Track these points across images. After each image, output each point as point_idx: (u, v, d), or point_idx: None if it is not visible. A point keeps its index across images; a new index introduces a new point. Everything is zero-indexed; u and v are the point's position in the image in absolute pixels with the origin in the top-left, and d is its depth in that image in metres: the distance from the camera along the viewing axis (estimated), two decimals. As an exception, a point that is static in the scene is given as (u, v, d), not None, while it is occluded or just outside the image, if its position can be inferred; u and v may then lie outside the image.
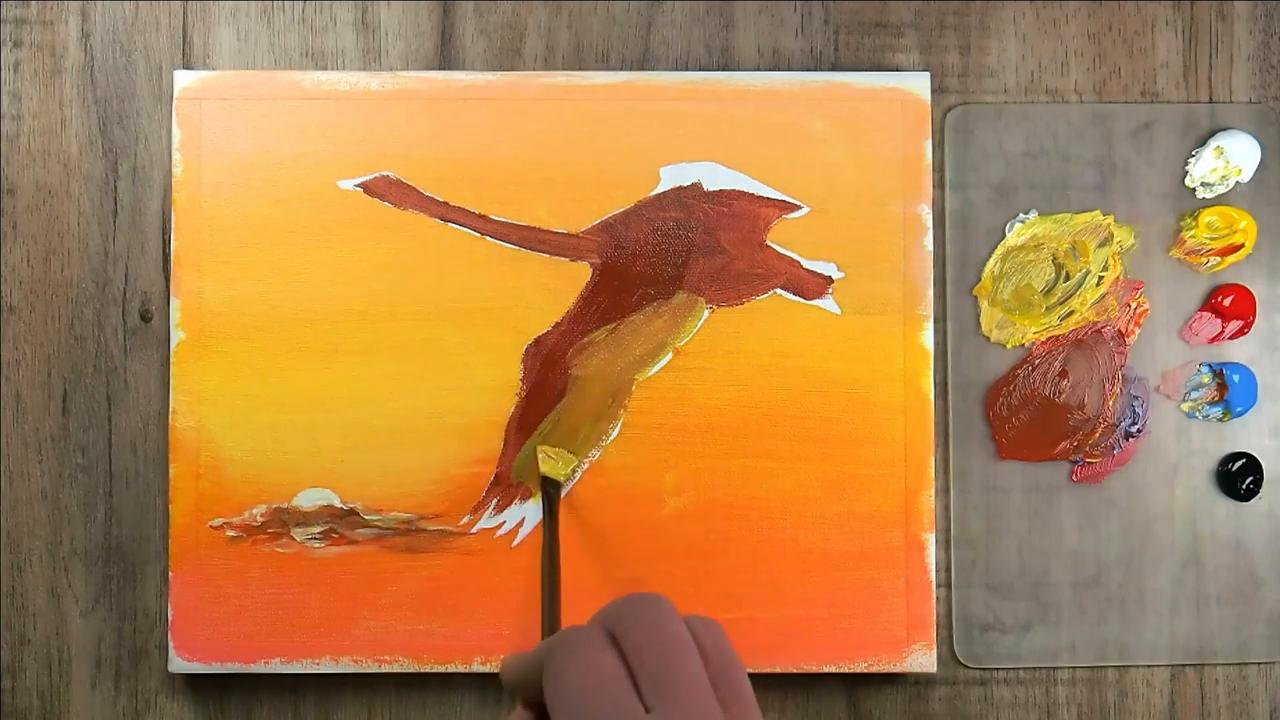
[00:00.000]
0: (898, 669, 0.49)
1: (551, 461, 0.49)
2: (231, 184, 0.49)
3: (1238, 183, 0.51)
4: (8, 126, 0.51)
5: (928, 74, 0.50)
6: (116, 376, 0.50)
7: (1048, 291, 0.51)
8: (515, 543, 0.49)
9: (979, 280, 0.51)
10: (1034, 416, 0.50)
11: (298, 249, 0.49)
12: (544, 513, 0.48)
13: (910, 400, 0.49)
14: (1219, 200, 0.51)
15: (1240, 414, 0.50)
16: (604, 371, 0.49)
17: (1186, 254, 0.51)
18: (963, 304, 0.51)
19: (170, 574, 0.49)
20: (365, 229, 0.49)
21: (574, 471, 0.49)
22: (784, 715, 0.50)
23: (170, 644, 0.49)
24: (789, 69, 0.51)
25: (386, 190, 0.49)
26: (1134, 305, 0.51)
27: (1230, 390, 0.50)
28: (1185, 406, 0.51)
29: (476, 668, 0.49)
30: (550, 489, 0.48)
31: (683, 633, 0.30)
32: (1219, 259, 0.51)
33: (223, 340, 0.49)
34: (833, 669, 0.49)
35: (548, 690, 0.30)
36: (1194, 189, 0.51)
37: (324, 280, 0.49)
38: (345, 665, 0.49)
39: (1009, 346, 0.51)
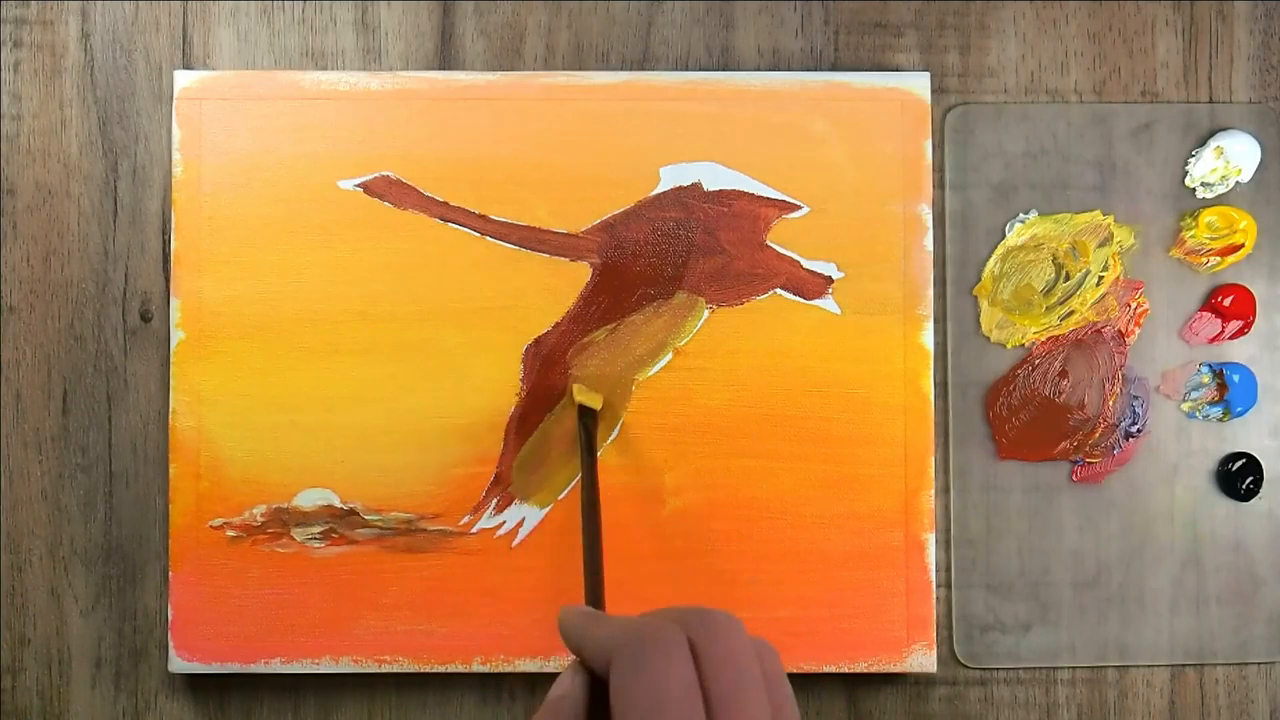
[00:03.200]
0: (898, 669, 0.49)
1: (587, 393, 0.49)
2: (231, 184, 0.49)
3: (1238, 183, 0.51)
4: (8, 126, 0.51)
5: (928, 74, 0.50)
6: (116, 376, 0.50)
7: (1048, 291, 0.51)
8: (515, 543, 0.49)
9: (979, 280, 0.51)
10: (1034, 416, 0.50)
11: (298, 249, 0.49)
12: (582, 449, 0.47)
13: (910, 400, 0.49)
14: (1219, 200, 0.51)
15: (1240, 414, 0.50)
16: (604, 371, 0.49)
17: (1186, 254, 0.51)
18: (963, 304, 0.51)
19: (170, 574, 0.49)
20: (365, 229, 0.49)
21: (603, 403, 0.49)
22: (784, 715, 0.50)
23: (170, 644, 0.49)
24: (789, 69, 0.51)
25: (386, 190, 0.49)
26: (1134, 305, 0.51)
27: (1230, 390, 0.50)
28: (1185, 406, 0.51)
29: (476, 668, 0.49)
30: (587, 420, 0.48)
31: (754, 660, 0.30)
32: (1219, 259, 0.51)
33: (223, 340, 0.49)
34: (833, 669, 0.49)
35: (618, 686, 0.29)
36: (1194, 189, 0.51)
37: (324, 280, 0.49)
38: (345, 665, 0.49)
39: (1009, 346, 0.51)
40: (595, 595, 0.42)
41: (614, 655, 0.30)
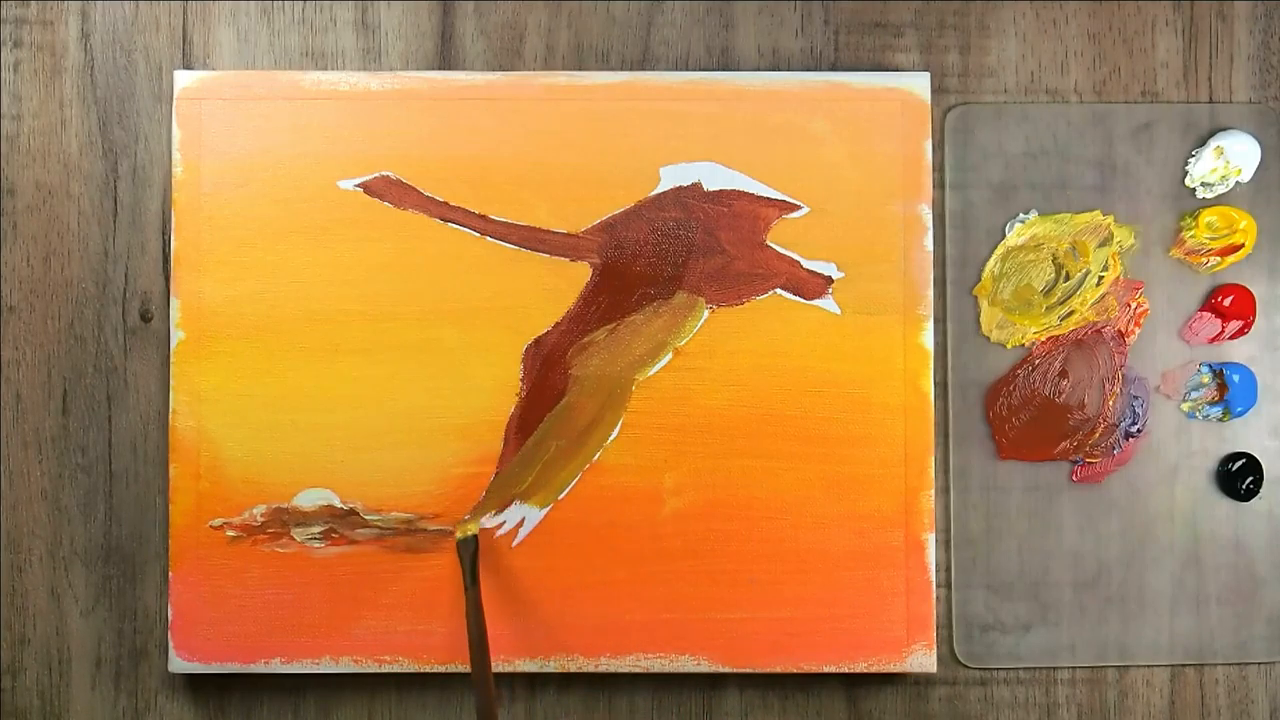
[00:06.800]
0: (898, 669, 0.49)
1: (463, 527, 0.49)
2: (231, 184, 0.49)
3: (1238, 183, 0.51)
4: (8, 126, 0.51)
5: (928, 74, 0.50)
6: (116, 376, 0.50)
7: (1048, 291, 0.51)
8: (515, 543, 0.49)
9: (979, 280, 0.51)
10: (1034, 416, 0.50)
11: (298, 249, 0.49)
12: (465, 579, 0.47)
13: (910, 400, 0.49)
14: (1219, 200, 0.51)
15: (1240, 414, 0.50)
16: (604, 371, 0.49)
17: (1186, 254, 0.51)
18: (963, 304, 0.51)
19: (170, 574, 0.49)
20: (365, 229, 0.49)
21: (478, 527, 0.49)
22: (784, 715, 0.50)
23: (170, 644, 0.49)
24: (789, 69, 0.51)
25: (386, 190, 0.50)
26: (1134, 305, 0.51)
27: (1230, 390, 0.50)
28: (1185, 406, 0.51)
29: (476, 668, 0.49)
30: (467, 548, 0.48)
31: None
32: (1219, 259, 0.51)
33: (223, 340, 0.49)
34: (833, 669, 0.49)
35: None
36: (1194, 189, 0.51)
37: (324, 280, 0.49)
38: (345, 665, 0.49)
39: (1009, 346, 0.51)
40: None
41: None
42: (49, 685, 0.50)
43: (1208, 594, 0.50)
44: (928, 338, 0.49)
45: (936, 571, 0.49)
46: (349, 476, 0.49)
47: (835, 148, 0.50)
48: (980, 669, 0.50)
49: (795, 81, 0.50)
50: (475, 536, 0.48)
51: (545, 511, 0.49)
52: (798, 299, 0.50)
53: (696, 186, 0.50)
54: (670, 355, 0.49)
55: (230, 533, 0.49)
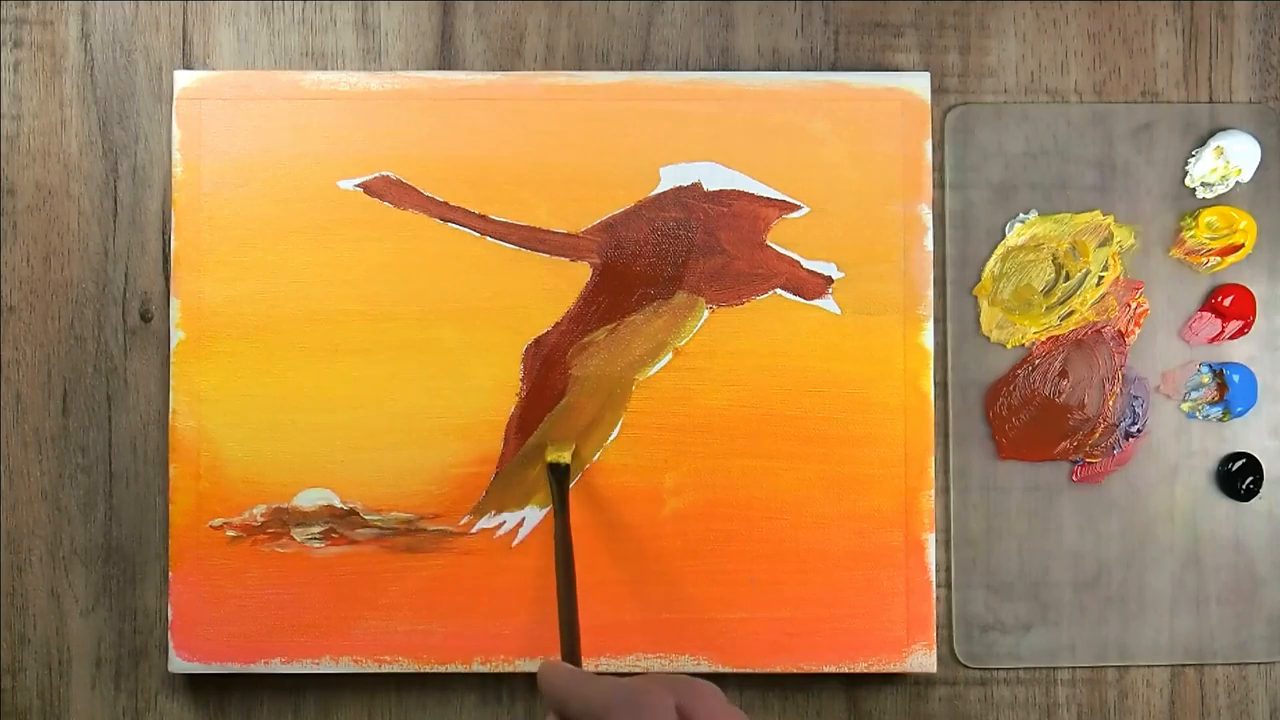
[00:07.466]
0: (898, 669, 0.49)
1: (557, 451, 0.48)
2: (231, 184, 0.49)
3: (1238, 183, 0.51)
4: (8, 126, 0.51)
5: (928, 74, 0.50)
6: (116, 376, 0.50)
7: (1048, 291, 0.51)
8: (515, 543, 0.49)
9: (979, 280, 0.51)
10: (1034, 416, 0.50)
11: (298, 249, 0.49)
12: (555, 505, 0.47)
13: (910, 400, 0.49)
14: (1219, 200, 0.51)
15: (1240, 414, 0.50)
16: (604, 371, 0.49)
17: (1186, 254, 0.51)
18: (963, 304, 0.51)
19: (170, 574, 0.49)
20: (365, 229, 0.49)
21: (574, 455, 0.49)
22: (784, 715, 0.50)
23: (170, 644, 0.49)
24: (789, 69, 0.51)
25: (386, 190, 0.50)
26: (1134, 305, 0.51)
27: (1230, 390, 0.50)
28: (1185, 406, 0.51)
29: (476, 668, 0.49)
30: (559, 475, 0.48)
31: None
32: (1219, 259, 0.51)
33: (223, 340, 0.49)
34: (833, 669, 0.49)
35: None
36: (1194, 189, 0.51)
37: (324, 280, 0.49)
38: (345, 665, 0.49)
39: (1009, 346, 0.51)
40: (572, 651, 0.43)
41: (609, 717, 0.32)
42: (49, 685, 0.50)
43: (1208, 594, 0.50)
44: (928, 338, 0.49)
45: (936, 571, 0.49)
46: (349, 476, 0.49)
47: (835, 148, 0.50)
48: (980, 669, 0.50)
49: (795, 81, 0.50)
50: (568, 464, 0.48)
51: (545, 511, 0.49)
52: (798, 299, 0.50)
53: (696, 186, 0.50)
54: (670, 355, 0.49)
55: (230, 533, 0.49)
